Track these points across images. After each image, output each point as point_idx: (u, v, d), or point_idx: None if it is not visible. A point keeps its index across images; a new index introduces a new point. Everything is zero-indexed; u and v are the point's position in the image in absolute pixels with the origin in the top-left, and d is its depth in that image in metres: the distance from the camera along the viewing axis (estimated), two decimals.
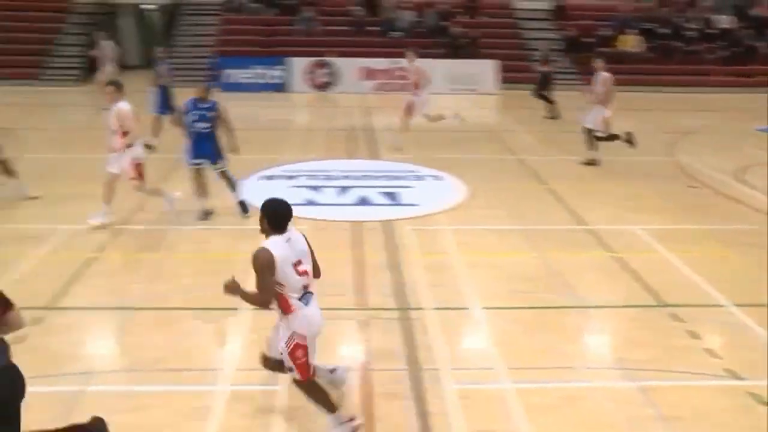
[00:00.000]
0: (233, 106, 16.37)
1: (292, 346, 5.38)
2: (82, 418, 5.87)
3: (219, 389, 6.37)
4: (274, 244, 5.24)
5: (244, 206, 10.82)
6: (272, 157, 14.13)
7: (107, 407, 6.08)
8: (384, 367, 6.72)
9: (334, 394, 5.86)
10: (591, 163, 14.07)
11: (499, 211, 11.40)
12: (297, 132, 17.48)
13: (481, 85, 22.36)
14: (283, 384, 6.35)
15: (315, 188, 12.23)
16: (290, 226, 5.38)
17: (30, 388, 5.81)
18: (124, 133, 9.91)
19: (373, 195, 11.87)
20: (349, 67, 23.39)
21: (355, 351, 7.14)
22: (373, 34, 25.15)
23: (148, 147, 14.64)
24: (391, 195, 11.87)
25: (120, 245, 9.78)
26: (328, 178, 12.82)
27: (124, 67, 27.23)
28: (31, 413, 6.00)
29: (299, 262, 5.33)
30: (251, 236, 9.75)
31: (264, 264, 5.17)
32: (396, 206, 11.42)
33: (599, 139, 13.98)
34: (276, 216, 5.32)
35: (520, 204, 11.79)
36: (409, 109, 15.22)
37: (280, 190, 12.02)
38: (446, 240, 10.09)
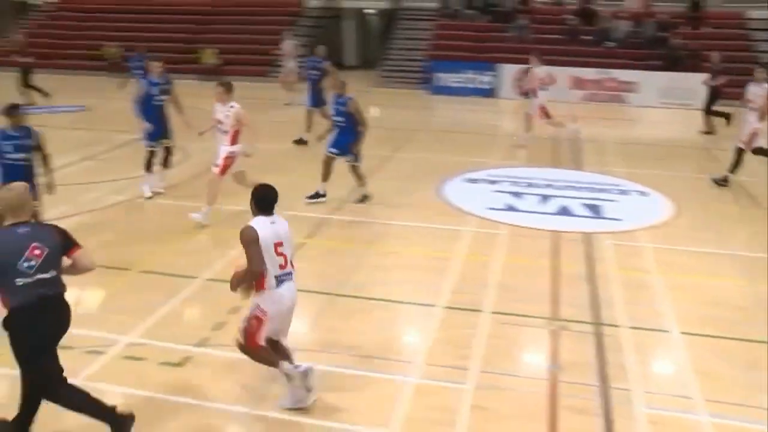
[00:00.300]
0: (443, 109, 16.76)
1: (252, 315, 5.87)
2: (286, 389, 6.17)
3: (409, 380, 6.47)
4: (258, 223, 5.75)
5: (364, 199, 11.40)
6: (477, 161, 14.16)
7: None
8: (572, 379, 6.52)
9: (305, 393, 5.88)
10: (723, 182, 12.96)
11: (706, 232, 10.71)
12: (503, 138, 17.39)
13: (697, 101, 21.13)
14: (471, 382, 6.37)
15: (516, 195, 12.10)
16: (276, 212, 5.87)
17: (240, 357, 6.23)
18: (237, 132, 10.15)
19: (575, 206, 11.56)
20: (558, 75, 22.91)
21: (543, 359, 6.99)
22: (585, 44, 24.49)
23: (301, 141, 15.58)
24: (593, 207, 11.51)
25: (327, 234, 10.20)
26: (531, 185, 12.65)
27: (342, 66, 28.46)
28: (240, 377, 6.45)
29: (280, 244, 5.76)
30: (449, 237, 10.00)
31: (250, 238, 5.66)
32: (598, 219, 11.04)
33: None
34: (263, 199, 5.82)
35: (730, 226, 11.02)
36: (542, 113, 15.57)
37: (482, 194, 12.05)
38: (647, 258, 9.61)
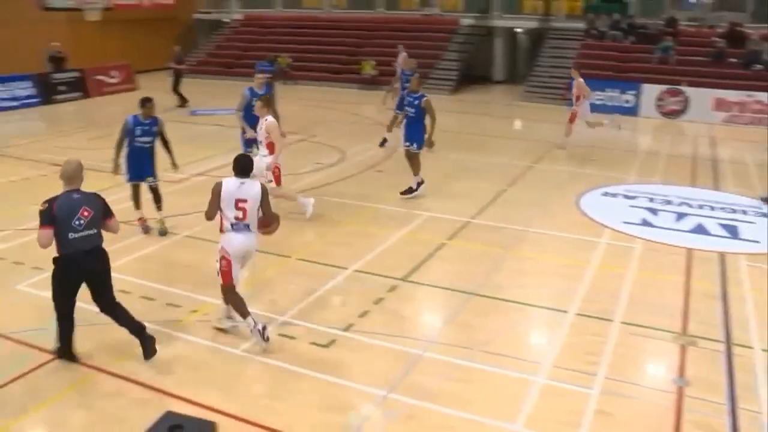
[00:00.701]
0: (584, 125, 16.25)
1: (219, 257, 6.77)
2: (420, 377, 6.24)
3: (537, 380, 6.35)
4: (227, 181, 6.70)
5: (410, 190, 11.78)
6: (615, 176, 13.65)
7: (438, 373, 6.42)
8: (699, 395, 6.17)
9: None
10: None
11: None
12: (642, 155, 16.67)
13: None
14: (596, 388, 6.17)
15: (652, 211, 11.57)
16: (252, 178, 6.80)
17: (380, 344, 6.34)
18: (271, 143, 10.02)
19: (712, 225, 10.91)
20: (701, 96, 21.69)
21: (670, 373, 6.64)
22: (731, 66, 23.05)
23: (384, 142, 15.79)
24: (730, 228, 10.81)
25: (467, 236, 10.15)
26: (667, 202, 12.05)
27: (490, 80, 28.28)
28: (379, 362, 6.56)
29: (242, 200, 6.62)
30: (584, 247, 9.71)
31: (213, 190, 6.72)
32: (734, 240, 10.36)
33: None
34: (237, 164, 6.76)
35: None
36: (572, 118, 16.09)
37: (619, 208, 11.62)
38: None
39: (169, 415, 5.05)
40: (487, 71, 28.75)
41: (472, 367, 6.56)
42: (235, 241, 6.71)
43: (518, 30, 28.93)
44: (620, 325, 7.42)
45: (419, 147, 11.82)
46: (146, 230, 10.05)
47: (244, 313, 6.74)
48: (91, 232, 6.21)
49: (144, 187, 10.02)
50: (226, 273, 6.76)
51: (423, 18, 29.41)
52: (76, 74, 23.71)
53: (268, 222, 6.96)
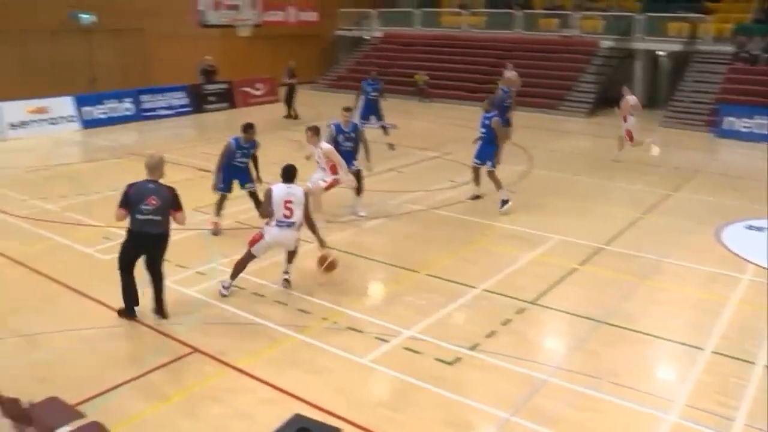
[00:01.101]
0: (728, 153, 15.44)
1: (258, 233, 8.26)
2: (544, 402, 6.09)
3: (668, 418, 6.04)
4: (277, 187, 8.19)
5: (504, 203, 11.97)
6: (761, 208, 12.76)
7: (562, 399, 6.26)
8: None
9: None
10: None
11: None
12: None
13: None
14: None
15: None
16: (295, 183, 8.27)
17: (505, 365, 6.25)
18: (333, 165, 10.63)
19: None
20: None
21: None
22: None
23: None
24: None
25: (600, 262, 9.82)
26: None
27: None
28: (503, 384, 6.46)
29: (289, 201, 8.07)
30: (724, 281, 9.16)
31: (266, 194, 8.24)
32: None
33: None
34: (284, 173, 8.24)
35: None
36: (630, 136, 16.57)
37: (764, 243, 10.87)
38: None
39: (298, 417, 5.20)
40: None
41: (598, 396, 6.33)
42: (276, 234, 8.17)
43: (660, 53, 27.85)
44: (764, 368, 6.93)
45: (493, 165, 12.13)
46: (216, 233, 10.77)
47: (240, 270, 8.32)
48: (155, 218, 7.30)
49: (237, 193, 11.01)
50: (254, 241, 8.25)
51: (561, 39, 28.90)
52: (224, 86, 25.03)
53: (309, 224, 8.45)
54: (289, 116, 22.41)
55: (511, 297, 8.42)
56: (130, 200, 7.29)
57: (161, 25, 26.11)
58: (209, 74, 24.50)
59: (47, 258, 9.58)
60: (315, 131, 10.68)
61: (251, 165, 10.85)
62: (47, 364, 6.78)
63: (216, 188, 10.66)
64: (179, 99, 23.52)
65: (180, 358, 6.88)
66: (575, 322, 7.93)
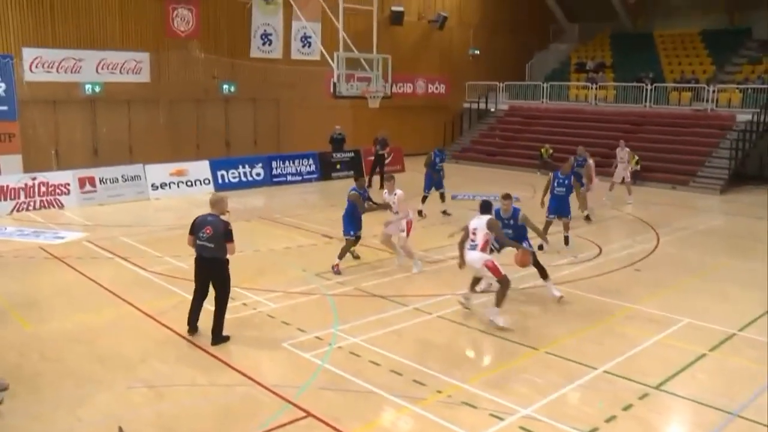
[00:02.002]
0: None
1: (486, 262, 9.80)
2: None
3: None
4: (473, 219, 10.08)
5: (566, 240, 14.47)
6: None
7: None
8: None
9: None
10: None
11: None
12: None
13: None
14: None
15: None
16: (481, 215, 10.02)
17: None
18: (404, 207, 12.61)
19: None
20: None
21: None
22: None
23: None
24: None
25: (733, 349, 9.19)
26: None
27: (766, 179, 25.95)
28: None
29: (474, 229, 9.89)
30: None
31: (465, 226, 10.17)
32: None
33: None
34: (483, 206, 10.13)
35: None
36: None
37: None
38: None
39: None
40: (763, 170, 26.46)
41: None
42: (469, 256, 9.90)
43: None
44: None
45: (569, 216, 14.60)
46: (337, 272, 12.25)
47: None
48: (209, 244, 8.67)
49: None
50: (496, 269, 9.82)
51: (694, 113, 28.02)
52: (351, 154, 25.87)
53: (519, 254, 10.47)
54: (370, 185, 22.70)
55: (634, 381, 8.03)
56: (194, 228, 8.84)
57: (295, 96, 27.54)
58: (339, 143, 25.47)
59: (176, 313, 10.09)
60: (391, 179, 12.94)
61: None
62: (172, 417, 7.08)
63: (347, 234, 12.61)
64: (308, 166, 24.52)
65: (294, 421, 6.99)
66: (704, 413, 7.43)
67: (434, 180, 18.23)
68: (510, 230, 10.70)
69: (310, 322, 9.80)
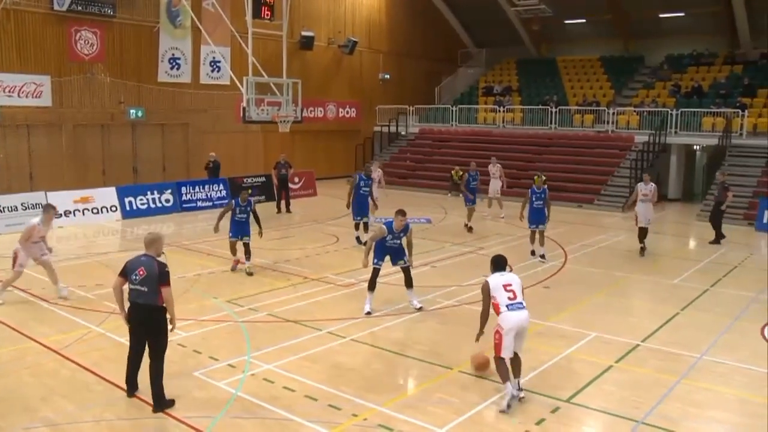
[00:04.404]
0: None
1: (495, 331, 8.03)
2: None
3: None
4: (492, 278, 8.23)
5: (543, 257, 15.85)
6: None
7: None
8: None
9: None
10: None
11: None
12: None
13: None
14: None
15: None
16: (507, 270, 8.55)
17: None
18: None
19: None
20: None
21: None
22: None
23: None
24: None
25: (637, 360, 9.53)
26: None
27: (666, 198, 27.21)
28: None
29: (508, 284, 8.12)
30: (762, 381, 8.81)
31: (483, 289, 8.23)
32: None
33: None
34: (495, 264, 8.44)
35: None
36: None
37: None
38: None
39: None
40: (661, 188, 27.75)
41: None
42: (513, 318, 7.96)
43: (696, 147, 27.95)
44: None
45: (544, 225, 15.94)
46: (234, 269, 14.38)
47: (505, 379, 7.96)
48: (142, 288, 7.64)
49: (240, 243, 14.45)
50: (498, 345, 8.00)
51: (596, 135, 29.22)
52: (262, 179, 25.59)
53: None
54: (279, 211, 22.74)
55: (545, 395, 8.19)
56: (126, 271, 7.83)
57: (205, 120, 27.13)
58: (214, 170, 24.55)
59: (81, 346, 9.65)
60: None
61: (251, 219, 14.48)
62: None
63: (231, 237, 14.54)
64: (218, 191, 24.09)
65: None
66: (613, 423, 7.64)
67: (360, 206, 17.27)
68: (398, 241, 11.45)
69: (222, 350, 9.56)
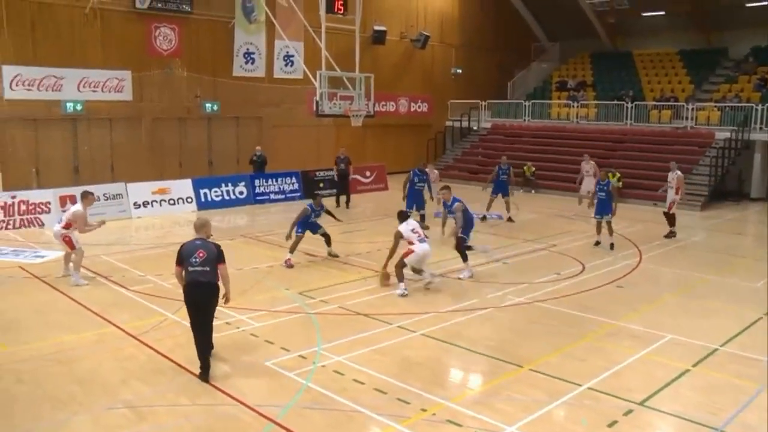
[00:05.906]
0: None
1: (407, 250, 12.05)
2: None
3: None
4: (402, 227, 12.17)
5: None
6: None
7: None
8: None
9: None
10: None
11: None
12: None
13: None
14: None
15: None
16: (411, 220, 12.62)
17: None
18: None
19: None
20: None
21: None
22: None
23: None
24: None
25: (716, 365, 9.21)
26: None
27: (746, 197, 26.22)
28: None
29: (413, 229, 12.17)
30: None
31: (396, 235, 12.14)
32: None
33: None
34: (400, 216, 12.59)
35: None
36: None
37: None
38: None
39: None
40: (742, 187, 26.78)
41: None
42: (420, 249, 12.04)
43: None
44: None
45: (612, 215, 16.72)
46: (291, 266, 14.16)
47: (401, 280, 12.01)
48: (205, 268, 8.15)
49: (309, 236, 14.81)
50: (406, 254, 12.05)
51: (673, 131, 28.34)
52: (334, 173, 25.80)
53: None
54: (338, 205, 22.63)
55: (618, 397, 8.02)
56: (182, 257, 8.25)
57: (278, 114, 27.57)
58: (259, 164, 24.33)
59: (157, 333, 9.97)
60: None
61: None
62: None
63: (297, 232, 14.50)
64: (291, 184, 24.48)
65: None
66: (687, 428, 7.42)
67: (415, 199, 18.28)
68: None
69: (293, 341, 9.72)
